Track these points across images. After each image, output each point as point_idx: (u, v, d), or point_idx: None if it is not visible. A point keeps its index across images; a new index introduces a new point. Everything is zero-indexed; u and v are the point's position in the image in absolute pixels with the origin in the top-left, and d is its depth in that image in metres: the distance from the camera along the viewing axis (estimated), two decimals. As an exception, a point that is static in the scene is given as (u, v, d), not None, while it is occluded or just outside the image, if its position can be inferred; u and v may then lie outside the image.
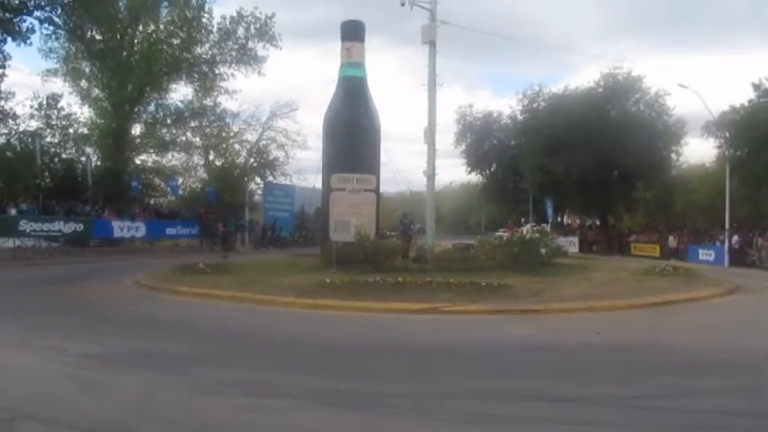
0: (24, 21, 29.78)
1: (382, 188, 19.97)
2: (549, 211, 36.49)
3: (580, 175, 32.38)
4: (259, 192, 42.95)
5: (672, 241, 30.93)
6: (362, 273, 14.94)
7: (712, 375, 6.64)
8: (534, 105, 39.26)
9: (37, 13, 30.34)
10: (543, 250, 17.34)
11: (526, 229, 18.20)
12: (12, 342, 7.93)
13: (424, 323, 10.14)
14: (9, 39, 29.58)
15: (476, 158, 44.41)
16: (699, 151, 71.61)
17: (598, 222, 40.42)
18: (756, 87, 30.21)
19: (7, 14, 28.71)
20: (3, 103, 33.42)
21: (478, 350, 7.98)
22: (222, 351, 7.59)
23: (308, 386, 5.88)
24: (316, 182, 37.98)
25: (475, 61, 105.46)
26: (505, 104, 76.30)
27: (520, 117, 40.95)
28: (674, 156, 36.10)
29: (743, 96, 33.97)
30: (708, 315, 11.59)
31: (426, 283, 12.94)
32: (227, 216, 35.09)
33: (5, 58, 31.19)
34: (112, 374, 6.30)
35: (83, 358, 7.01)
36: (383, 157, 20.27)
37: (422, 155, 20.77)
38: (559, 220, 42.39)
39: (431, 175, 19.37)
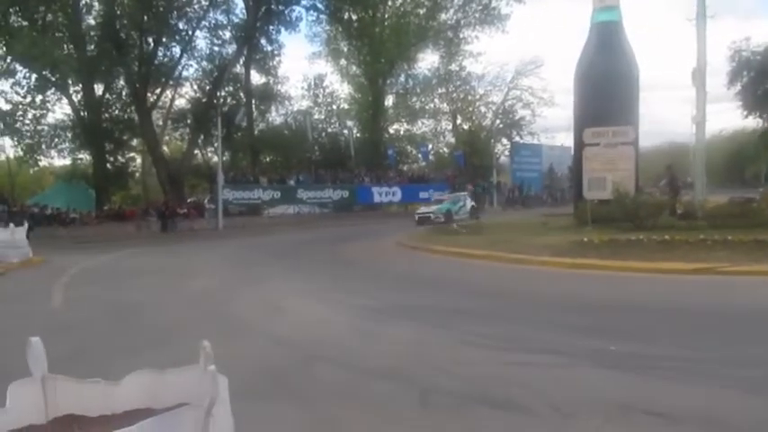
0: (293, 11, 33.57)
1: (640, 142, 18.40)
2: None
3: None
4: (506, 153, 42.81)
5: None
6: (622, 231, 14.05)
7: None
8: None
9: (303, 2, 33.90)
10: None
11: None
12: (299, 293, 9.12)
13: (699, 284, 9.14)
14: (282, 29, 33.63)
15: (754, 100, 38.21)
16: None
17: None
18: None
19: (280, 7, 32.58)
20: (279, 87, 38.29)
21: (764, 315, 6.96)
22: (484, 307, 7.75)
23: (575, 345, 5.72)
24: (564, 140, 36.65)
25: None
26: (793, 33, 64.29)
27: (815, 45, 34.15)
28: None
29: None
30: None
31: (699, 241, 11.67)
32: (475, 178, 35.71)
33: (280, 46, 35.62)
34: (386, 324, 6.86)
35: (359, 309, 7.77)
36: (641, 108, 18.62)
37: (685, 102, 18.65)
38: None
39: (701, 121, 17.26)
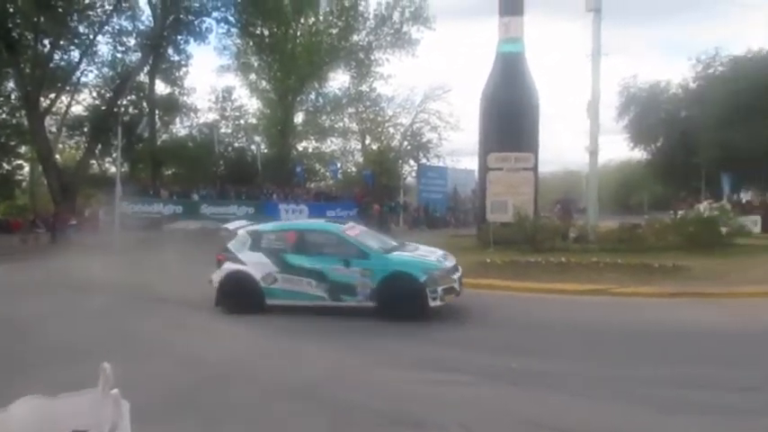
0: (204, 22, 32.82)
1: (539, 168, 19.43)
2: (726, 188, 33.15)
3: (765, 148, 29.00)
4: (413, 174, 43.65)
5: None
6: (522, 253, 14.66)
7: None
8: (710, 71, 35.67)
9: (214, 14, 33.22)
10: (723, 229, 15.85)
11: (703, 207, 16.73)
12: (208, 310, 8.85)
13: (593, 305, 9.72)
14: (191, 39, 32.79)
15: (640, 133, 41.39)
16: None
17: (785, 199, 36.05)
18: None
19: (190, 17, 31.77)
20: (185, 98, 37.21)
21: (655, 334, 7.50)
22: (393, 326, 7.85)
23: (482, 363, 5.91)
24: (469, 163, 37.95)
25: (640, 28, 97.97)
26: (675, 73, 70.24)
27: (692, 85, 37.48)
28: None
29: None
30: None
31: (592, 264, 12.42)
32: (382, 198, 36.17)
33: (188, 57, 34.66)
34: (300, 342, 6.80)
35: (274, 328, 7.68)
36: (541, 136, 19.67)
37: (580, 132, 19.95)
38: (737, 197, 38.41)
39: (594, 150, 18.47)
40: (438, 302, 8.23)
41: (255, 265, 8.83)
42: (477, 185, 22.18)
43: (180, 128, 39.07)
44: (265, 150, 39.03)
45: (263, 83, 39.69)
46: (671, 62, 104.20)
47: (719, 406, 4.65)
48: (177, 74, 35.59)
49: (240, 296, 8.75)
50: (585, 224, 18.66)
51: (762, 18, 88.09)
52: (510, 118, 18.29)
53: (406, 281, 8.28)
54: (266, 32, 35.79)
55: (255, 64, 38.86)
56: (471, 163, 28.89)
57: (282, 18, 34.98)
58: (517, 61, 18.95)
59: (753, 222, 28.98)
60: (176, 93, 36.51)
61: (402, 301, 8.18)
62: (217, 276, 9.03)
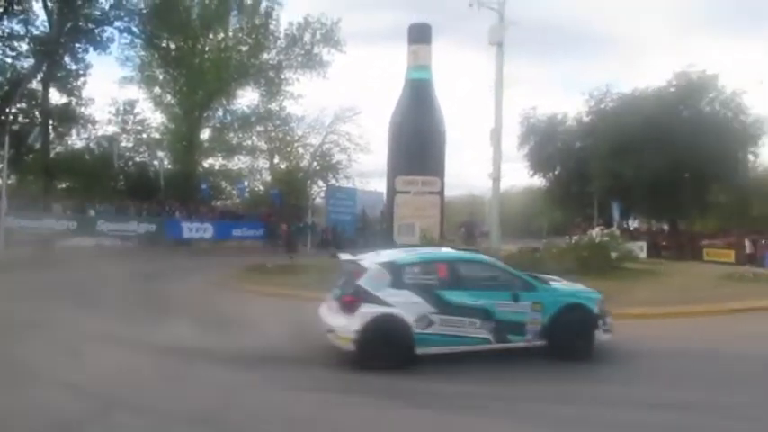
0: (105, 31, 31.46)
1: (445, 192, 19.98)
2: (616, 215, 35.43)
3: (650, 178, 31.29)
4: (321, 195, 43.55)
5: (748, 247, 29.49)
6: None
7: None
8: (602, 106, 38.20)
9: (117, 24, 31.94)
10: (613, 254, 16.91)
11: (596, 233, 17.78)
12: (99, 336, 8.35)
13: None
14: (91, 48, 31.29)
15: (539, 161, 43.52)
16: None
17: (667, 227, 38.96)
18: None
19: (90, 25, 30.35)
20: (83, 109, 35.35)
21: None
22: (299, 349, 7.73)
23: (389, 384, 5.93)
24: (377, 185, 38.40)
25: (540, 62, 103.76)
26: (571, 106, 74.71)
27: (586, 119, 39.93)
28: (751, 157, 34.42)
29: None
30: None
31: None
32: (290, 218, 35.79)
33: (87, 66, 33.03)
34: (197, 367, 6.55)
35: (167, 352, 7.32)
36: (447, 161, 20.25)
37: (485, 158, 20.72)
38: (626, 224, 41.09)
39: (496, 177, 19.16)
40: (608, 335, 7.72)
41: (405, 305, 7.29)
42: (385, 208, 22.44)
43: (76, 140, 37.00)
44: (169, 166, 37.72)
45: (169, 97, 38.47)
46: (568, 96, 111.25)
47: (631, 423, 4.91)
48: (75, 83, 33.76)
49: (389, 346, 7.10)
50: (488, 248, 19.28)
51: (646, 60, 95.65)
52: (417, 143, 18.74)
53: (580, 314, 7.65)
54: (173, 46, 34.80)
55: (160, 77, 37.63)
56: (380, 185, 29.30)
57: (190, 32, 34.18)
58: (425, 88, 19.49)
59: (639, 248, 31.12)
60: (73, 103, 34.60)
61: (576, 336, 7.53)
62: (353, 323, 7.16)
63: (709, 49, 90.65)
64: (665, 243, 35.04)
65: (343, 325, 7.18)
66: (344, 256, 8.75)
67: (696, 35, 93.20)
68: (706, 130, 30.82)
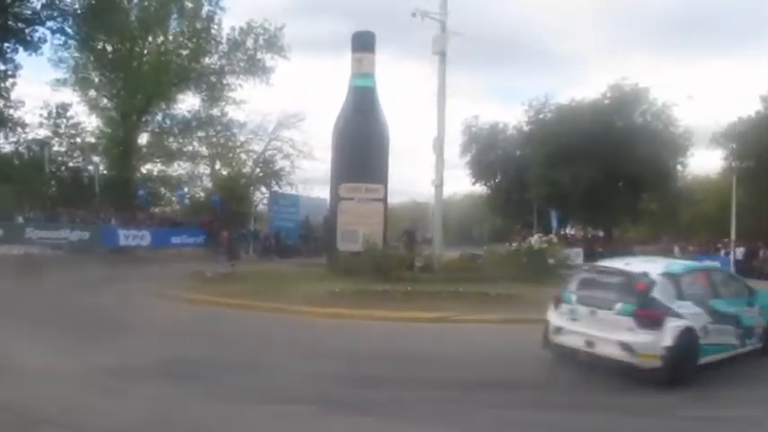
0: (36, 31, 30.13)
1: (388, 199, 20.09)
2: (554, 222, 36.45)
3: (586, 186, 32.37)
4: (264, 201, 43.02)
5: (677, 252, 30.86)
6: (371, 282, 14.96)
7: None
8: (541, 116, 39.30)
9: (49, 24, 30.64)
10: (551, 260, 17.37)
11: (534, 240, 18.22)
12: (24, 350, 7.96)
13: (436, 332, 10.16)
14: (21, 48, 29.95)
15: (480, 169, 44.44)
16: (706, 163, 71.50)
17: (602, 234, 40.34)
18: (764, 99, 30.28)
19: (20, 24, 29.05)
20: (12, 111, 33.75)
21: (491, 359, 7.99)
22: (239, 358, 7.62)
23: (331, 393, 5.91)
24: (321, 192, 38.23)
25: (482, 72, 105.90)
26: (511, 116, 76.62)
27: (526, 128, 40.98)
28: (680, 167, 36.05)
29: (750, 108, 34.03)
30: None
31: (436, 293, 12.96)
32: (232, 225, 35.18)
33: (16, 67, 31.51)
34: (129, 381, 6.33)
35: (100, 367, 7.05)
36: (391, 168, 20.37)
37: (427, 165, 20.96)
38: (564, 231, 42.32)
39: (439, 184, 19.45)
40: None
41: (693, 317, 7.08)
42: (328, 214, 22.37)
43: (5, 143, 35.29)
44: (104, 172, 36.46)
45: (105, 100, 37.20)
46: (508, 106, 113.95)
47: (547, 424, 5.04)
48: (3, 84, 32.21)
49: (691, 361, 6.93)
50: (431, 254, 19.50)
51: (584, 72, 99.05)
52: (361, 150, 18.77)
53: None
54: (109, 48, 33.68)
55: (96, 80, 36.32)
56: (324, 192, 29.15)
57: (128, 34, 33.17)
58: (369, 95, 19.56)
59: (576, 254, 32.12)
60: (1, 105, 33.01)
61: None
62: (662, 339, 6.70)
63: (642, 65, 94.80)
64: (600, 249, 36.19)
65: (647, 341, 6.70)
66: (606, 265, 8.31)
67: (631, 51, 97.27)
68: (638, 141, 32.15)
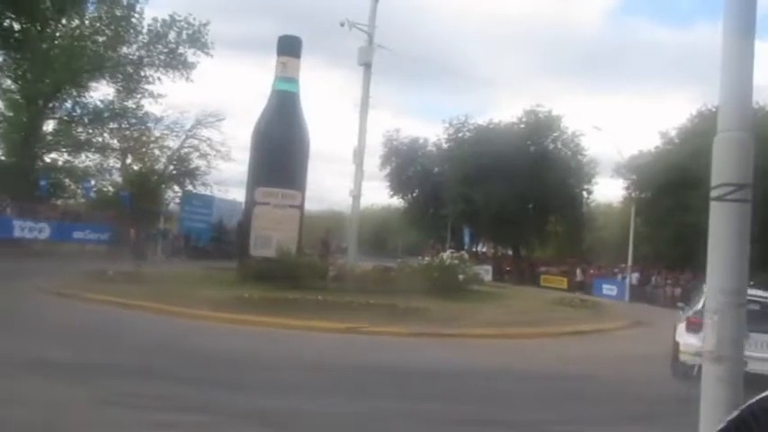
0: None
1: (305, 206, 19.93)
2: (467, 239, 37.40)
3: (498, 206, 33.47)
4: (176, 200, 41.60)
5: (579, 274, 32.40)
6: (281, 289, 14.73)
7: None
8: (459, 135, 40.35)
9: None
10: (461, 276, 17.75)
11: (446, 255, 18.58)
12: None
13: (343, 343, 10.13)
14: None
15: (399, 183, 45.07)
16: (609, 191, 75.68)
17: (511, 252, 41.80)
18: (663, 135, 32.55)
19: None
20: None
21: (396, 372, 8.04)
22: (134, 363, 7.27)
23: (227, 403, 5.74)
24: (236, 195, 37.43)
25: (405, 88, 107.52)
26: (431, 132, 78.14)
27: (445, 145, 41.97)
28: (585, 193, 38.08)
29: (651, 142, 36.44)
30: (613, 345, 12.23)
31: (347, 303, 12.94)
32: (140, 223, 33.79)
33: None
34: (9, 383, 5.90)
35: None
36: (309, 175, 20.22)
37: (346, 175, 21.09)
38: (476, 248, 43.51)
39: (357, 195, 19.50)
40: None
41: None
42: (242, 218, 21.90)
43: None
44: (2, 158, 34.12)
45: (9, 82, 34.88)
46: (429, 122, 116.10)
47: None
48: None
49: None
50: (345, 264, 19.47)
51: (501, 95, 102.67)
52: (280, 154, 18.50)
53: None
54: (17, 26, 31.67)
55: (0, 60, 34.06)
56: (239, 194, 28.53)
57: (39, 14, 31.32)
58: (291, 100, 19.36)
59: (485, 271, 33.03)
60: None
61: None
62: None
63: (555, 92, 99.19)
64: (508, 268, 37.52)
65: None
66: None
67: (545, 79, 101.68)
68: (549, 166, 33.69)
